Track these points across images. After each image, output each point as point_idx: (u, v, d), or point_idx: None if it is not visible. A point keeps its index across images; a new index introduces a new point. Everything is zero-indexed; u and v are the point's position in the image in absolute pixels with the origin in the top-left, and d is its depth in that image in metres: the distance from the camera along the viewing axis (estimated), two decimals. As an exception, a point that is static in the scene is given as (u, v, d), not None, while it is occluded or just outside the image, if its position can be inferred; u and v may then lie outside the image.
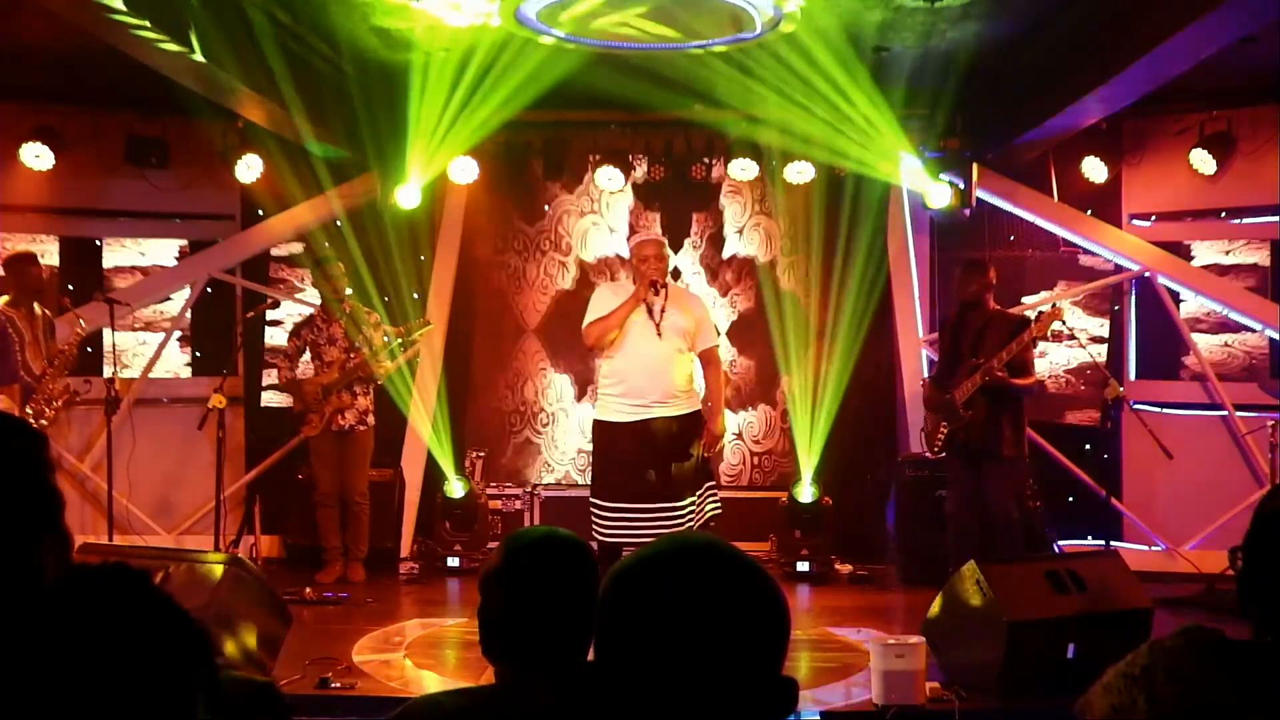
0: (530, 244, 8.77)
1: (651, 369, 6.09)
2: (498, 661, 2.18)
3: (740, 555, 1.37)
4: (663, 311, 6.12)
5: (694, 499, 6.13)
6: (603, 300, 6.28)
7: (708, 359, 6.42)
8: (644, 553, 1.38)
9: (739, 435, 8.64)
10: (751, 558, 1.38)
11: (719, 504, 6.32)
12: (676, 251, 8.73)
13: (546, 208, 8.74)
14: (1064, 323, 6.52)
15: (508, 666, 2.16)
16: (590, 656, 1.68)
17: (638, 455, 6.07)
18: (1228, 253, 8.03)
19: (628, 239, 8.26)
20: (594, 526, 6.12)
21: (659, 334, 6.09)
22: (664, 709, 1.30)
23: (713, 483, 6.34)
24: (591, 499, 6.25)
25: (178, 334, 8.44)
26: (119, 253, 8.41)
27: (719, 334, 7.57)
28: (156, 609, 1.26)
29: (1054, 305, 6.57)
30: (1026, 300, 8.22)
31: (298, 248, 8.46)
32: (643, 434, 6.08)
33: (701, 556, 1.36)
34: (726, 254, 8.70)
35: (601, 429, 6.26)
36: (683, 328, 6.16)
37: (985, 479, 6.49)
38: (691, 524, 6.05)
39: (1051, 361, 8.25)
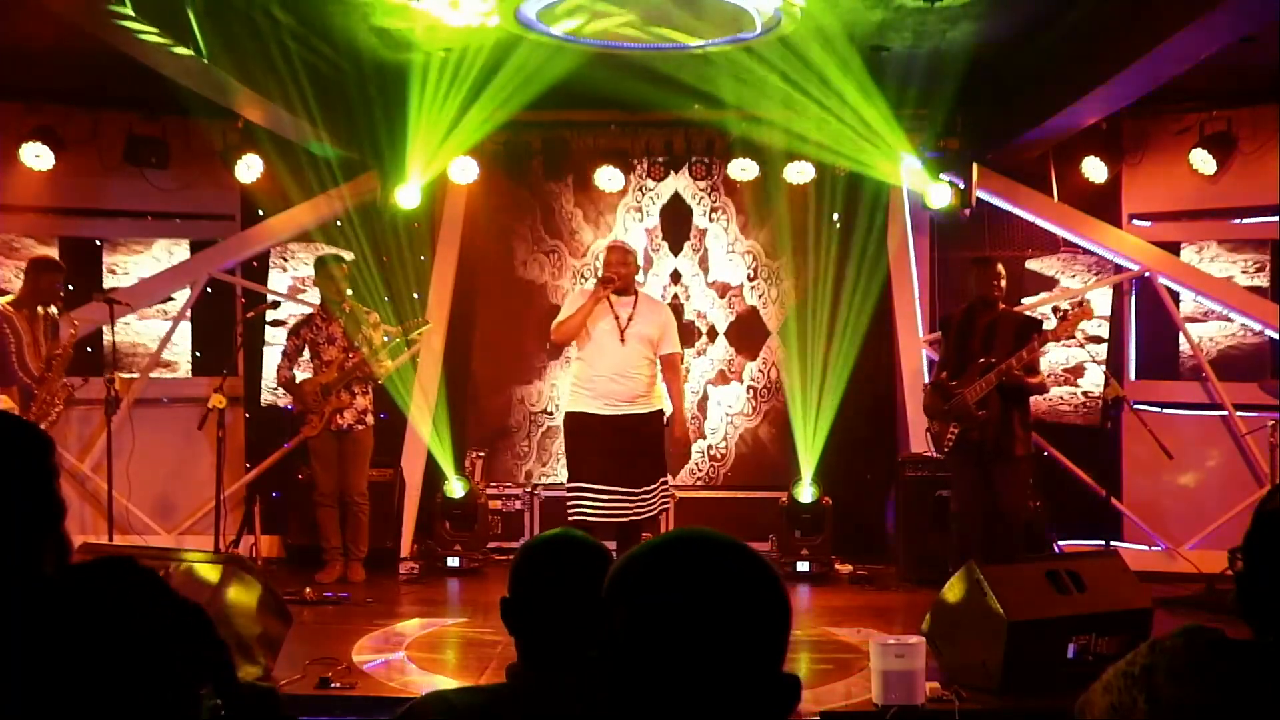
0: (536, 245, 8.77)
1: (615, 373, 6.48)
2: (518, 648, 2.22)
3: (742, 547, 1.37)
4: (630, 319, 6.50)
5: (650, 488, 6.51)
6: (573, 303, 6.68)
7: (668, 363, 6.72)
8: (645, 546, 1.39)
9: (718, 403, 8.78)
10: (752, 549, 1.38)
11: (669, 498, 6.78)
12: (676, 255, 8.74)
13: (554, 210, 8.76)
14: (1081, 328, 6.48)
15: (521, 663, 2.19)
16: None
17: (605, 443, 6.46)
18: (1218, 257, 8.05)
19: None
20: (568, 508, 6.53)
21: (623, 340, 6.48)
22: (669, 705, 1.30)
23: (666, 477, 6.72)
24: (567, 482, 6.68)
25: (183, 325, 8.44)
26: (121, 257, 8.43)
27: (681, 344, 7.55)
28: (161, 596, 1.27)
29: (1083, 302, 6.51)
30: (1027, 301, 8.23)
31: (308, 267, 8.40)
32: (610, 425, 6.47)
33: (702, 548, 1.36)
34: (711, 278, 8.76)
35: (574, 419, 6.63)
36: (647, 335, 6.54)
37: (997, 479, 6.46)
38: (649, 510, 6.50)
39: (1051, 361, 8.25)
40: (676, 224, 8.78)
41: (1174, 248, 8.12)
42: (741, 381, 8.80)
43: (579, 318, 6.50)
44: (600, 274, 6.73)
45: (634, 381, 6.48)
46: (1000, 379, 6.33)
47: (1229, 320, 7.97)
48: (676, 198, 8.72)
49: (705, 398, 8.76)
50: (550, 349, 8.41)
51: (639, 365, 6.51)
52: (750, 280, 8.76)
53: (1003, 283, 6.63)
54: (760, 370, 8.76)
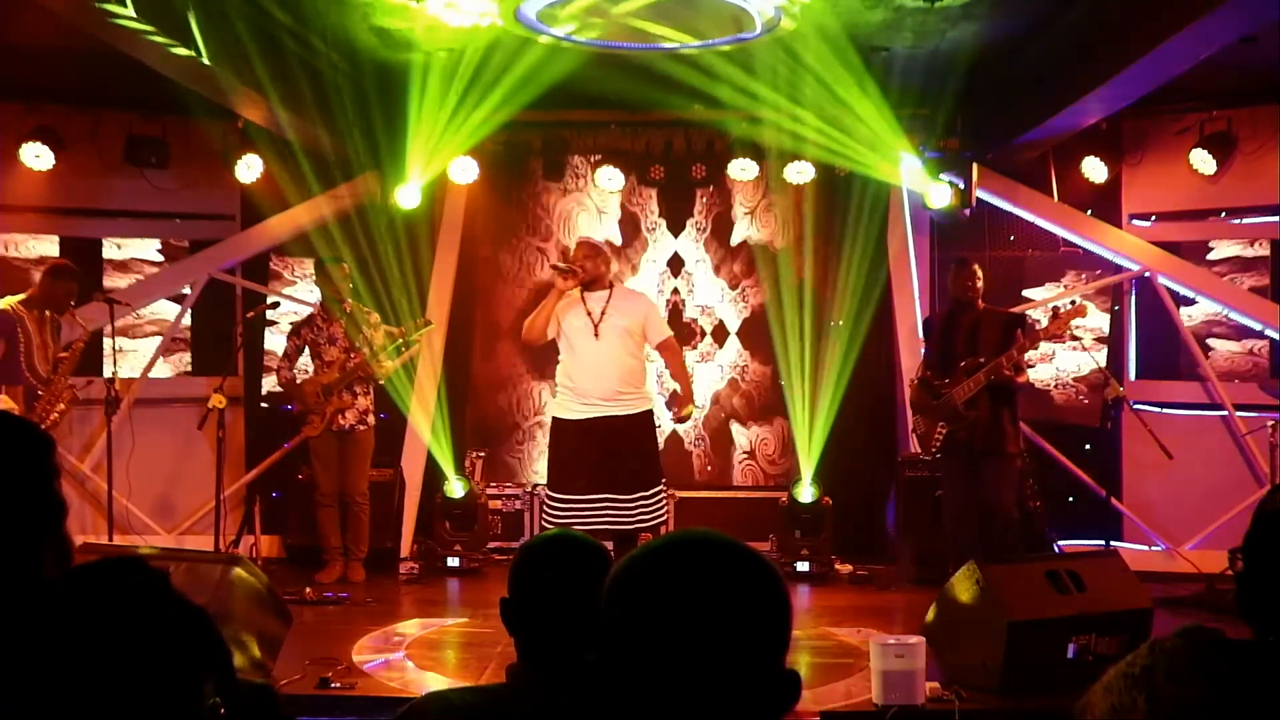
0: (533, 246, 8.76)
1: (592, 370, 6.27)
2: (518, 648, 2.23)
3: (743, 547, 1.38)
4: (603, 314, 6.29)
5: (644, 495, 6.28)
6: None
7: (664, 348, 6.56)
8: (646, 548, 1.39)
9: (751, 454, 8.59)
10: (753, 549, 1.39)
11: (664, 510, 6.48)
12: (676, 235, 8.68)
13: (547, 210, 8.73)
14: (1074, 325, 6.44)
15: (521, 663, 2.19)
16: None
17: (586, 450, 6.27)
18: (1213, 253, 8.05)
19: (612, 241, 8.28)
20: (543, 517, 6.39)
21: (597, 334, 6.26)
22: (670, 703, 1.30)
23: (659, 486, 6.44)
24: (545, 491, 6.50)
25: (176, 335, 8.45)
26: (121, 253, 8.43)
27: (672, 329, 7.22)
28: (164, 597, 1.28)
29: (1076, 301, 6.50)
30: (1029, 295, 8.22)
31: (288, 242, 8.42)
32: (591, 430, 6.26)
33: (703, 549, 1.36)
34: (735, 239, 8.59)
35: (556, 425, 6.49)
36: (624, 327, 6.30)
37: (987, 477, 6.46)
38: (637, 520, 6.24)
39: (1058, 368, 8.24)
40: (677, 190, 8.51)
41: (1174, 248, 8.12)
42: (788, 418, 8.29)
43: (543, 314, 6.34)
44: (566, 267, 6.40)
45: (614, 378, 6.25)
46: (989, 378, 6.33)
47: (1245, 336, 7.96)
48: (674, 157, 8.35)
49: (725, 434, 8.61)
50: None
51: (619, 360, 6.28)
52: (772, 266, 8.49)
53: (978, 283, 6.62)
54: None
